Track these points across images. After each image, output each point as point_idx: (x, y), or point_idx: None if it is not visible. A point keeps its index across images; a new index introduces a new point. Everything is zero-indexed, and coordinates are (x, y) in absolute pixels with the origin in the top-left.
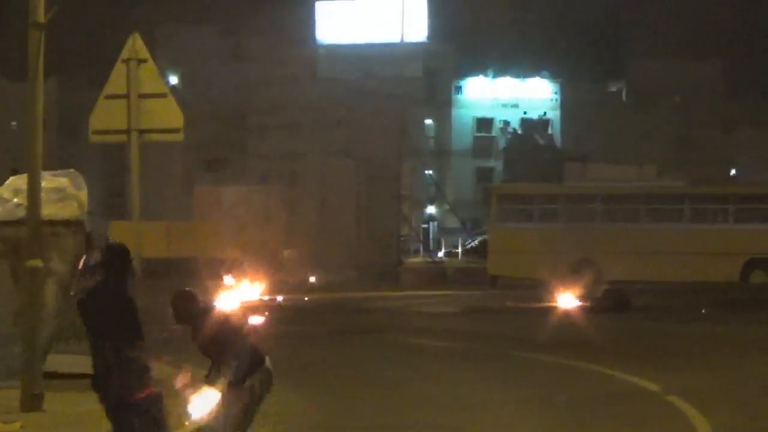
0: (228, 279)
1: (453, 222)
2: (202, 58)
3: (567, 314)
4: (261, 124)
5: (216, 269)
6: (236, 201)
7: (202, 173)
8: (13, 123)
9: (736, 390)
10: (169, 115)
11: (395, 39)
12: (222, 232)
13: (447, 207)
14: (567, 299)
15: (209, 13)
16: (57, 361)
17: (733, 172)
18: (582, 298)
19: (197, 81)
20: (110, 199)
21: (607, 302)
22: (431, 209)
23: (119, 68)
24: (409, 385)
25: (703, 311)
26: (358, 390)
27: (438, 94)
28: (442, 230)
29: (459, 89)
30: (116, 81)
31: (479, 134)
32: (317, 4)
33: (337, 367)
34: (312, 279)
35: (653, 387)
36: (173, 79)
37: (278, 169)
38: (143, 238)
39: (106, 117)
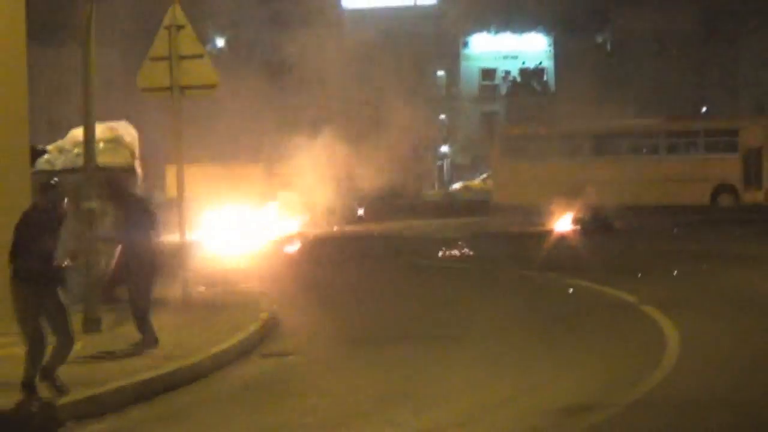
0: (272, 212)
1: (465, 159)
2: (244, 24)
3: (559, 236)
4: (295, 80)
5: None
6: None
7: (248, 122)
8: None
9: (700, 299)
10: (205, 73)
11: (409, 2)
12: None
13: (458, 146)
14: (559, 224)
15: None
16: (117, 289)
17: (704, 109)
18: (572, 222)
19: (241, 44)
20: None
21: (593, 225)
22: (445, 148)
23: (162, 34)
24: (413, 301)
25: (675, 231)
26: (371, 305)
27: (447, 49)
28: (454, 166)
29: (466, 44)
30: (159, 45)
31: (484, 82)
32: None
33: (353, 286)
34: (360, 212)
35: (630, 298)
36: (220, 42)
37: (312, 119)
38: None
39: (150, 76)
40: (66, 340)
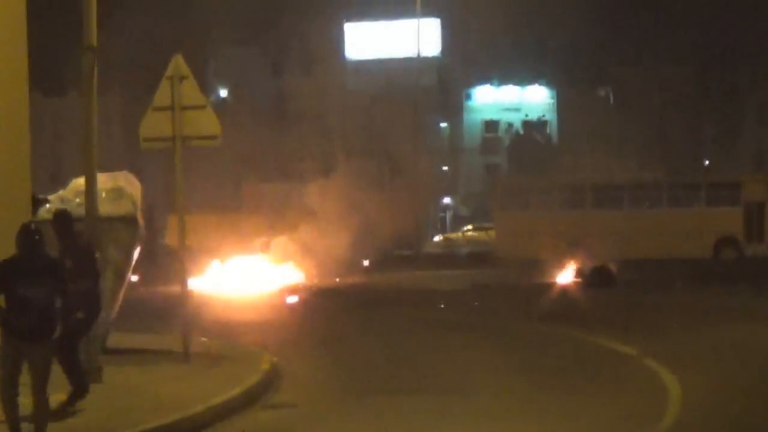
0: (272, 264)
1: (466, 210)
2: (247, 74)
3: (561, 289)
4: (297, 130)
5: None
6: (278, 196)
7: (248, 172)
8: None
9: (704, 353)
10: (208, 124)
11: (412, 54)
12: (264, 223)
13: (459, 198)
14: (561, 276)
15: (254, 34)
16: (117, 339)
17: (706, 162)
18: (574, 274)
19: (244, 93)
20: (170, 195)
21: (595, 278)
22: (447, 199)
23: (164, 84)
24: (416, 355)
25: (678, 284)
26: (372, 357)
27: (450, 101)
28: (457, 217)
29: (469, 96)
30: (162, 95)
31: (487, 134)
32: (346, 25)
33: (355, 337)
34: (366, 263)
35: (631, 351)
36: (223, 92)
37: (313, 169)
38: (188, 228)
39: (153, 126)
40: (40, 401)
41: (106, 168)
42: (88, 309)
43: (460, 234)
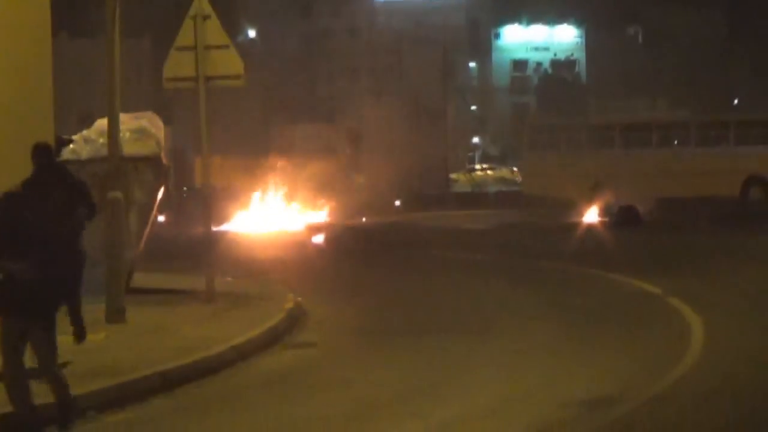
0: (295, 204)
1: (495, 150)
2: (275, 15)
3: (588, 229)
4: (326, 71)
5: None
6: (306, 137)
7: (277, 114)
8: None
9: (726, 292)
10: (231, 64)
11: None
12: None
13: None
14: (588, 216)
15: None
16: (141, 279)
17: (735, 101)
18: (601, 215)
19: (272, 34)
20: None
21: (622, 218)
22: (476, 139)
23: (187, 23)
24: (443, 295)
25: (703, 224)
26: (397, 297)
27: (479, 41)
28: (485, 156)
29: (497, 35)
30: (185, 34)
31: (515, 74)
32: None
33: (380, 277)
34: (397, 203)
35: (656, 290)
36: (251, 33)
37: (342, 109)
38: (212, 170)
39: (177, 66)
40: (51, 380)
41: (136, 111)
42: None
43: (463, 174)
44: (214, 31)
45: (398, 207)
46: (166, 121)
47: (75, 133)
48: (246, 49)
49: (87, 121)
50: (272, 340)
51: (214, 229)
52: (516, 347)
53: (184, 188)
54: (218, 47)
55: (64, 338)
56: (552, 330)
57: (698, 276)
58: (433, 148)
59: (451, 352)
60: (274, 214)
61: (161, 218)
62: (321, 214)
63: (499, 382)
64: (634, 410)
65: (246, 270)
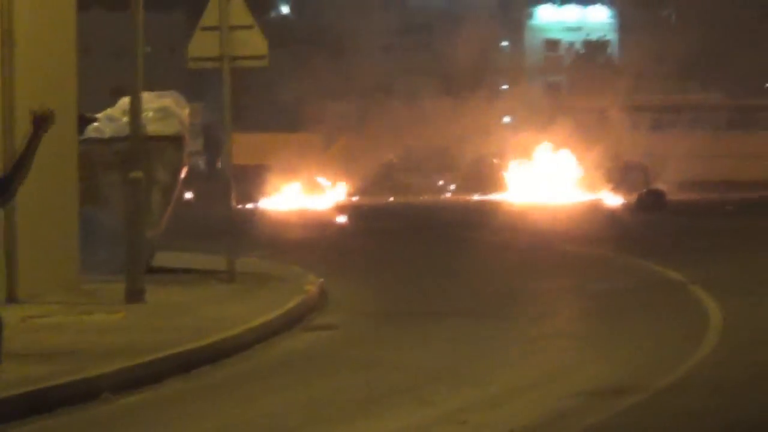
0: (323, 181)
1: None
2: None
3: (614, 211)
4: (359, 48)
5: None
6: (338, 114)
7: (307, 90)
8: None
9: (751, 282)
10: (255, 44)
11: None
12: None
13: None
14: (613, 199)
15: None
16: (163, 258)
17: (767, 85)
18: (629, 197)
19: (305, 10)
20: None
21: (648, 201)
22: (507, 119)
23: (212, 3)
24: (462, 277)
25: (731, 208)
26: (419, 280)
27: (512, 19)
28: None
29: (530, 15)
30: (210, 15)
31: (548, 54)
32: None
33: (403, 259)
34: (441, 182)
35: (679, 277)
36: (285, 9)
37: (374, 86)
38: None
39: (201, 46)
40: None
41: (168, 87)
42: None
43: None
44: (239, 11)
45: (444, 186)
46: (198, 97)
47: (106, 108)
48: (278, 26)
49: (120, 96)
50: (292, 321)
51: (246, 206)
52: (534, 333)
53: (218, 164)
54: (243, 27)
55: (81, 317)
56: (571, 316)
57: (723, 263)
58: (463, 128)
59: (469, 337)
60: (303, 192)
61: (188, 195)
62: (346, 193)
63: (514, 368)
64: (647, 400)
65: (270, 249)
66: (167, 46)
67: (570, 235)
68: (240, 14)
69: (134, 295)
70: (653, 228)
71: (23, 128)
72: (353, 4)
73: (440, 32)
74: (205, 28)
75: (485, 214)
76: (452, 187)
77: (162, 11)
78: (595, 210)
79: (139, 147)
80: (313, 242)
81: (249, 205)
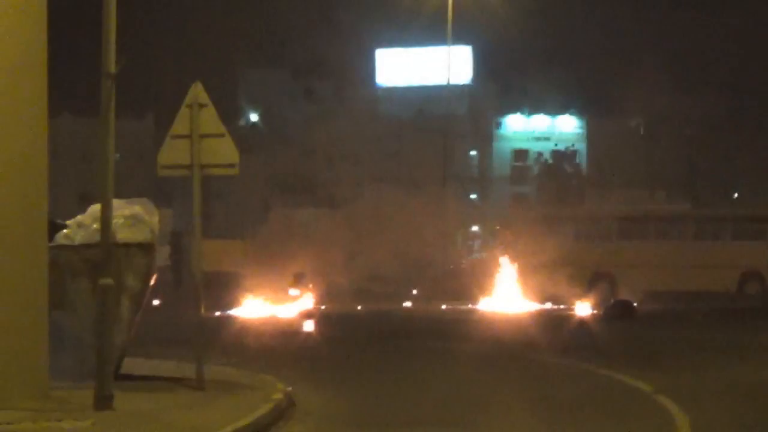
0: (293, 291)
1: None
2: (277, 98)
3: (581, 322)
4: (327, 155)
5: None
6: (306, 222)
7: (277, 198)
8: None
9: (719, 390)
10: (226, 152)
11: (443, 81)
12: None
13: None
14: (582, 308)
15: (283, 57)
16: (131, 365)
17: (735, 195)
18: (596, 307)
19: (274, 118)
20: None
21: (615, 311)
22: (475, 228)
23: (183, 112)
24: (431, 386)
25: (699, 318)
26: (385, 389)
27: (481, 129)
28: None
29: (499, 124)
30: (181, 123)
31: (516, 163)
32: (377, 52)
33: (372, 366)
34: (414, 291)
35: (646, 387)
36: (254, 117)
37: (343, 195)
38: (204, 255)
39: (172, 154)
40: None
41: (137, 193)
42: None
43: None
44: (210, 119)
45: (415, 295)
46: (167, 203)
47: (75, 214)
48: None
49: (87, 202)
50: (261, 429)
51: (220, 313)
52: None
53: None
54: (214, 136)
55: (49, 425)
56: (536, 426)
57: (690, 373)
58: (432, 237)
59: None
60: (274, 299)
61: (156, 302)
62: (311, 300)
63: None
64: None
65: (240, 356)
66: (136, 152)
67: (537, 345)
68: (211, 123)
69: (103, 402)
70: (621, 337)
71: None
72: (326, 114)
73: (409, 141)
74: (175, 137)
75: (453, 323)
76: (414, 292)
77: (131, 118)
78: (564, 319)
79: (109, 254)
80: (282, 350)
81: (217, 313)
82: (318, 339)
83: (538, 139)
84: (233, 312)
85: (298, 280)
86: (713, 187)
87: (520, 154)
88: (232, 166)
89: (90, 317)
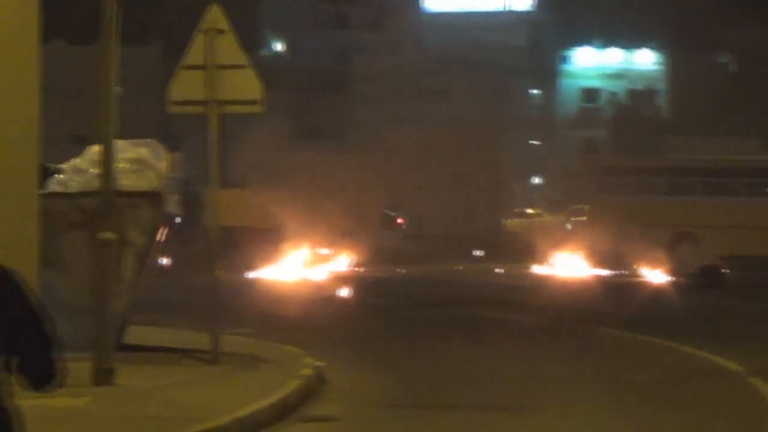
0: (324, 250)
1: (559, 193)
2: (306, 25)
3: (659, 290)
4: (363, 93)
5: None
6: (336, 169)
7: (303, 140)
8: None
9: None
10: (248, 87)
11: (500, 7)
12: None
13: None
14: (661, 274)
15: None
16: (136, 334)
17: None
18: (677, 273)
19: (302, 48)
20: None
21: (702, 278)
22: (536, 179)
23: (198, 39)
24: (481, 363)
25: None
26: (428, 367)
27: (543, 65)
28: (548, 200)
29: (565, 59)
30: (195, 52)
31: (585, 105)
32: None
33: (410, 337)
34: (478, 252)
35: (736, 367)
36: (278, 46)
37: (380, 138)
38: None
39: (184, 88)
40: None
41: (142, 134)
42: None
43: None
44: (229, 48)
45: (472, 257)
46: (176, 146)
47: (69, 158)
48: (270, 64)
49: (82, 144)
50: (286, 411)
51: (239, 275)
52: (562, 428)
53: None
54: (233, 67)
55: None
56: (603, 412)
57: None
58: (484, 189)
59: None
60: (297, 260)
61: (164, 261)
62: (348, 261)
63: None
64: None
65: (262, 326)
66: (141, 85)
67: (607, 315)
68: (230, 52)
69: (102, 376)
70: (710, 310)
71: None
72: (362, 45)
73: (458, 77)
74: (188, 67)
75: (515, 289)
76: (478, 253)
77: (136, 45)
78: (639, 287)
79: (109, 204)
80: (312, 319)
81: (237, 274)
82: (353, 306)
83: (610, 76)
84: (255, 274)
85: (340, 238)
86: None
87: (590, 93)
88: (254, 102)
89: (86, 277)
